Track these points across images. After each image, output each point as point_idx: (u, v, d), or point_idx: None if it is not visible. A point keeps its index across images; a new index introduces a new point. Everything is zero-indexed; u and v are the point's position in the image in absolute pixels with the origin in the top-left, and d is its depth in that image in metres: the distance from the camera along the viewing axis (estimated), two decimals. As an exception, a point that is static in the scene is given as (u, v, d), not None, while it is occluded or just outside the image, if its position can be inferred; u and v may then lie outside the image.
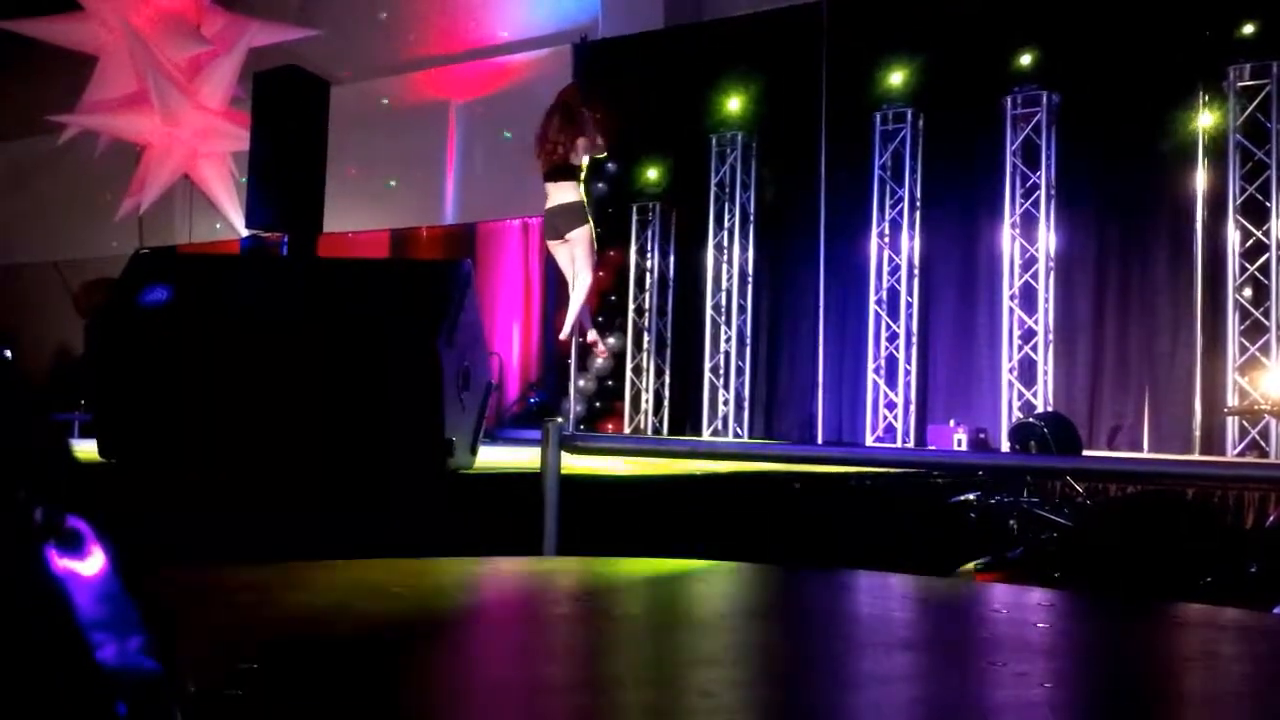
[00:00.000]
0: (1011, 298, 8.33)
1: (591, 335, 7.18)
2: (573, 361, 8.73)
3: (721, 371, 9.87)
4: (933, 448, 8.18)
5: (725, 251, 9.91)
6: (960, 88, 8.57)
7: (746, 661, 1.15)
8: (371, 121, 11.38)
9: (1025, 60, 8.26)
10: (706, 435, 9.76)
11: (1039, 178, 8.28)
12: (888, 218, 9.04)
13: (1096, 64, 7.97)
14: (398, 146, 11.69)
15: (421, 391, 3.31)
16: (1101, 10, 7.83)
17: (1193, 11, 7.67)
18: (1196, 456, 7.42)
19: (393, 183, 11.92)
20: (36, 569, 0.35)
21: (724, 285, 9.91)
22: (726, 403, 9.78)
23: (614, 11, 10.43)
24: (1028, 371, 8.26)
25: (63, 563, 0.36)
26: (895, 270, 8.99)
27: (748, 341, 9.83)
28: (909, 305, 8.93)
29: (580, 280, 6.61)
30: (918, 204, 8.97)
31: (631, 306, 10.39)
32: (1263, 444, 7.27)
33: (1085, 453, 6.73)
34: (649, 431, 10.04)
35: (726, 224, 9.90)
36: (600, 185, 9.85)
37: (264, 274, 3.99)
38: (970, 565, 4.21)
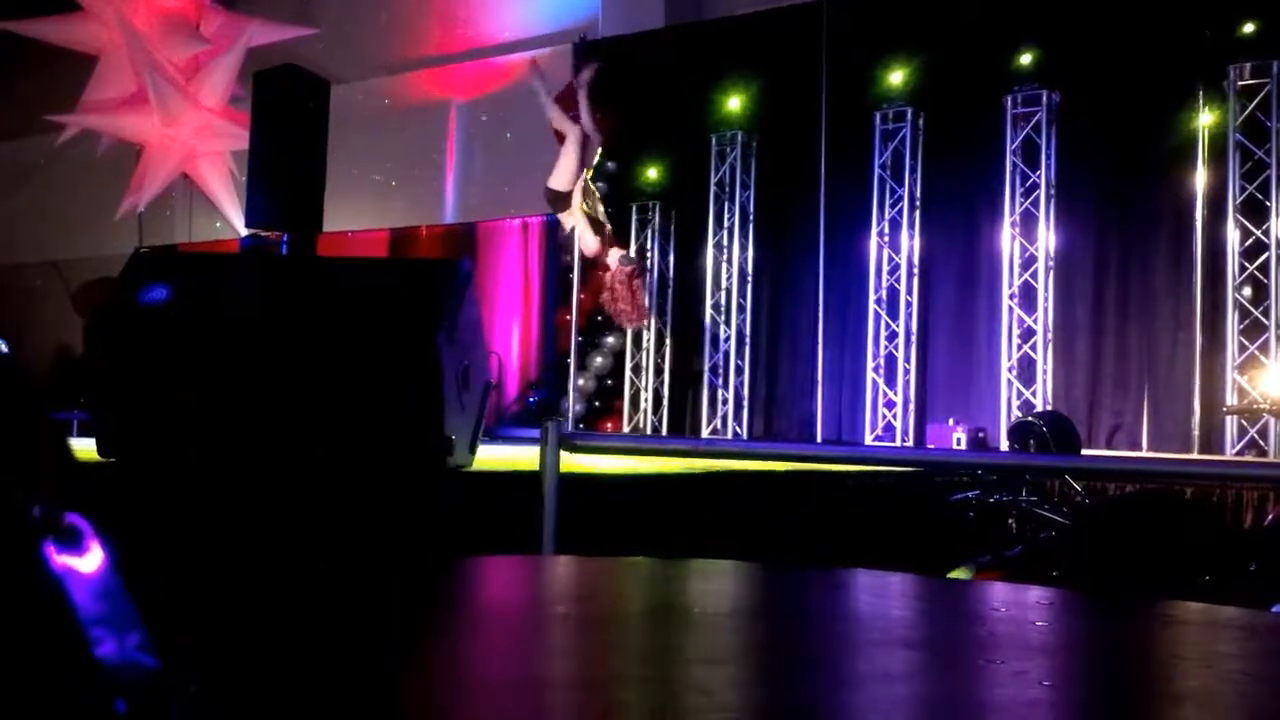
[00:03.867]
0: (1011, 297, 8.33)
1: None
2: (572, 360, 8.74)
3: (721, 370, 9.87)
4: (932, 446, 8.18)
5: (725, 251, 9.92)
6: (960, 87, 8.57)
7: (745, 660, 1.15)
8: (371, 121, 11.38)
9: (1025, 59, 8.27)
10: (705, 434, 9.76)
11: (1039, 177, 8.28)
12: (887, 217, 9.04)
13: (1096, 63, 7.97)
14: (398, 146, 11.68)
15: (421, 390, 3.31)
16: (1102, 9, 7.83)
17: (1193, 11, 7.67)
18: (1195, 455, 7.42)
19: (393, 182, 11.91)
20: (35, 565, 0.35)
21: (723, 284, 9.91)
22: (725, 402, 9.78)
23: (614, 11, 10.43)
24: (1027, 370, 8.26)
25: (61, 559, 0.36)
26: (895, 269, 9.00)
27: (747, 341, 9.83)
28: (908, 304, 8.93)
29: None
30: (917, 203, 8.97)
31: (631, 305, 10.38)
32: (1261, 443, 7.27)
33: (1084, 452, 6.73)
34: (648, 430, 10.04)
35: (726, 223, 9.90)
36: (600, 185, 9.84)
37: (264, 273, 3.99)
38: (958, 571, 4.21)
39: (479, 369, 3.76)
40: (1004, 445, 7.60)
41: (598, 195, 7.38)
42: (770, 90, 9.37)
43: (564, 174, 6.94)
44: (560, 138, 7.06)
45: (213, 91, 10.99)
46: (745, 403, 9.74)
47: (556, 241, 10.57)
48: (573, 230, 7.12)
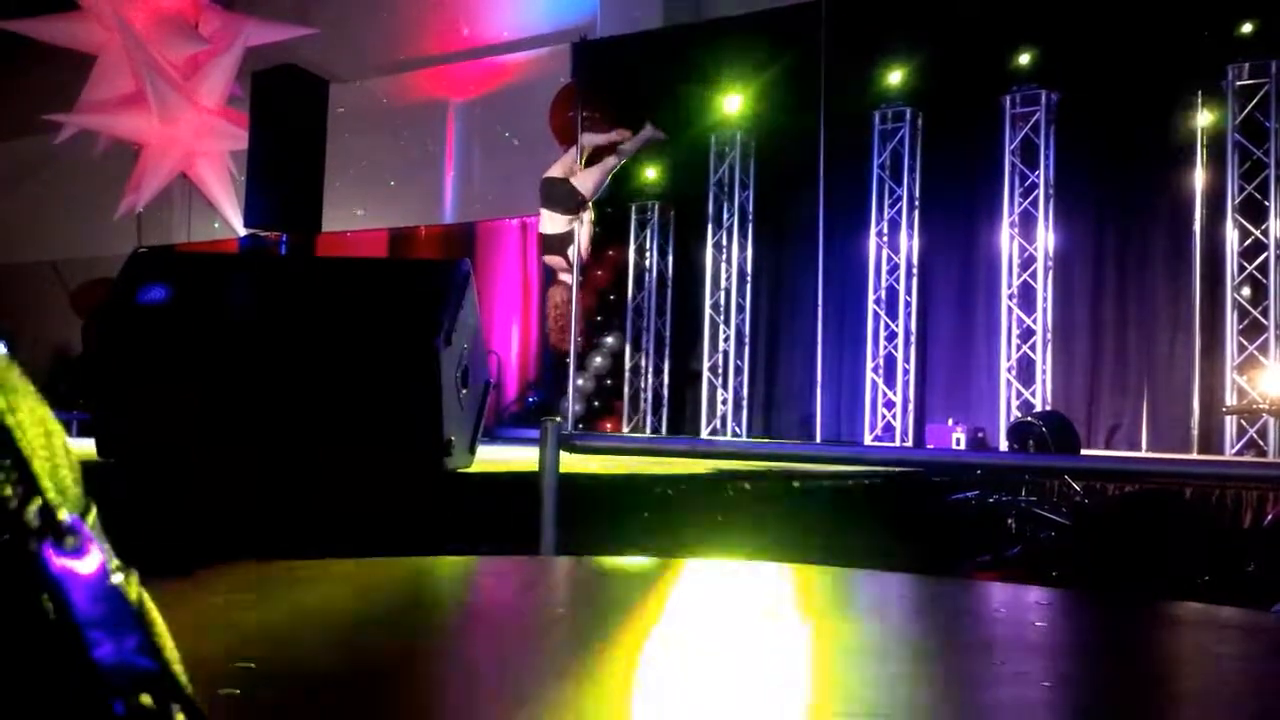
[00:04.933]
0: (1010, 297, 8.33)
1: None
2: (571, 361, 8.74)
3: (720, 371, 9.87)
4: (931, 446, 8.18)
5: (724, 250, 9.91)
6: (959, 87, 8.57)
7: (744, 661, 1.15)
8: (370, 120, 11.37)
9: (1024, 59, 8.27)
10: (705, 434, 9.76)
11: (1038, 177, 8.28)
12: (886, 217, 9.04)
13: (1095, 63, 7.97)
14: (396, 146, 11.68)
15: (420, 390, 3.31)
16: (1101, 9, 7.83)
17: (1192, 11, 7.67)
18: (1194, 455, 7.42)
19: (391, 182, 11.91)
20: (32, 567, 0.35)
21: (722, 284, 9.91)
22: (725, 402, 9.78)
23: (612, 10, 10.43)
24: (1026, 370, 8.26)
25: (59, 561, 0.36)
26: (894, 269, 9.00)
27: (746, 341, 9.83)
28: (907, 304, 8.93)
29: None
30: (916, 203, 8.97)
31: (630, 306, 10.39)
32: (1261, 443, 7.27)
33: (1083, 452, 6.73)
34: (648, 431, 10.05)
35: (725, 223, 9.90)
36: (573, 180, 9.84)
37: (262, 273, 3.98)
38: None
39: (478, 369, 3.76)
40: (1003, 445, 7.60)
41: None
42: (769, 90, 9.37)
43: (594, 182, 7.09)
44: (566, 141, 7.14)
45: (211, 91, 10.99)
46: (744, 403, 9.74)
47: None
48: (567, 234, 7.17)
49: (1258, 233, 7.47)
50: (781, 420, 9.65)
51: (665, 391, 10.23)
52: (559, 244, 7.37)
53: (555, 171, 7.31)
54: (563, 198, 7.11)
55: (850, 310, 9.17)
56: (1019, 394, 8.23)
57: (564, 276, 7.22)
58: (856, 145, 9.00)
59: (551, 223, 7.29)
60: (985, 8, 8.24)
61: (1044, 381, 8.17)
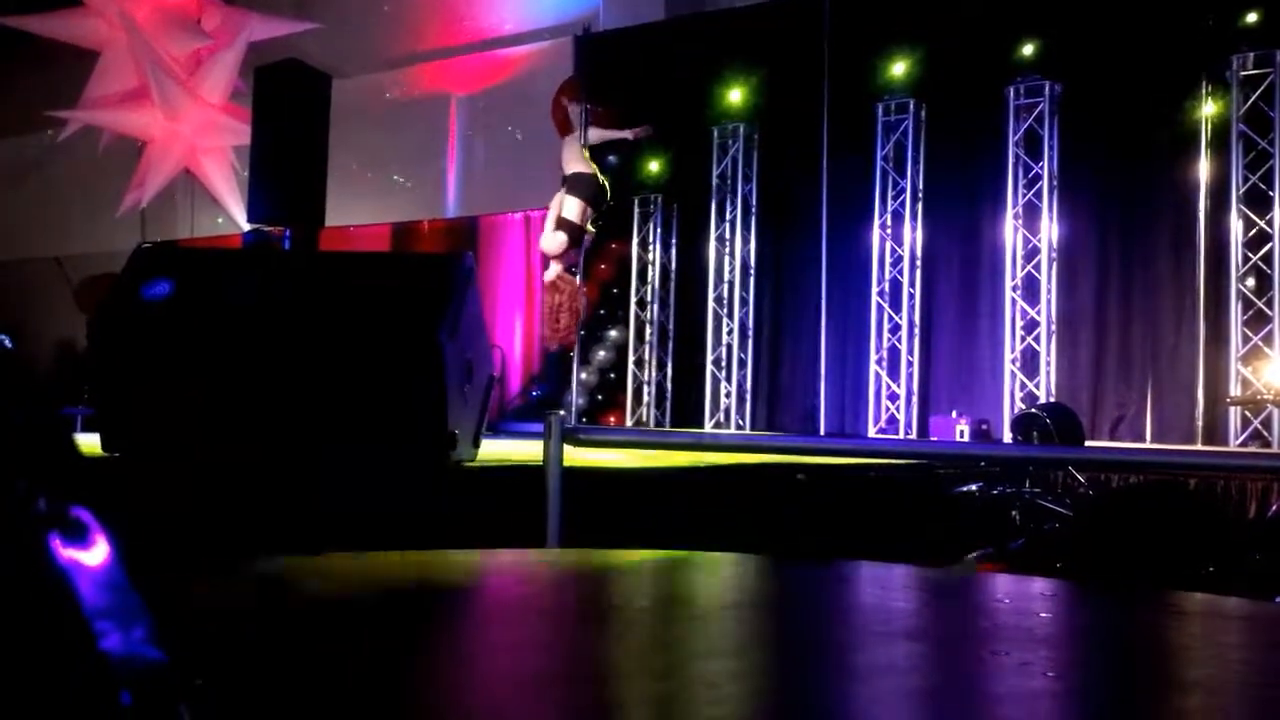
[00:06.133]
0: (1014, 288, 8.32)
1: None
2: (575, 354, 8.75)
3: (723, 363, 9.87)
4: (935, 438, 8.18)
5: (727, 243, 9.91)
6: (963, 78, 8.56)
7: (750, 652, 1.15)
8: (373, 115, 11.37)
9: (1028, 50, 8.25)
10: (708, 427, 9.76)
11: (1041, 168, 8.27)
12: (890, 208, 9.03)
13: (1099, 53, 7.95)
14: (399, 140, 11.68)
15: (424, 384, 3.31)
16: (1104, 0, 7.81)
17: (1195, 0, 7.65)
18: (1199, 446, 7.42)
19: (395, 176, 11.91)
20: (41, 558, 0.36)
21: (726, 277, 9.90)
22: (728, 395, 9.78)
23: (615, 3, 10.41)
24: (1030, 362, 8.26)
25: (67, 552, 0.36)
26: (897, 261, 8.99)
27: (749, 333, 9.82)
28: (911, 296, 8.92)
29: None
30: (920, 195, 8.96)
31: (633, 299, 10.39)
32: (1265, 434, 7.26)
33: (1087, 443, 6.73)
34: (651, 424, 10.05)
35: (728, 216, 9.89)
36: (602, 177, 9.84)
37: (266, 268, 3.99)
38: (971, 556, 4.21)
39: (482, 363, 3.76)
40: (1007, 437, 7.60)
41: None
42: (772, 82, 9.35)
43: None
44: (567, 135, 7.22)
45: (214, 87, 10.99)
46: (748, 395, 9.74)
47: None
48: (582, 230, 7.24)
49: (1262, 223, 7.45)
50: (785, 413, 9.66)
51: (669, 385, 10.23)
52: (579, 235, 7.42)
53: (577, 166, 7.37)
54: (597, 192, 7.19)
55: (854, 302, 9.17)
56: (1023, 385, 8.23)
57: (556, 266, 7.28)
58: (860, 137, 8.99)
59: (579, 213, 7.34)
60: (988, -2, 8.23)
61: (1048, 373, 8.17)
